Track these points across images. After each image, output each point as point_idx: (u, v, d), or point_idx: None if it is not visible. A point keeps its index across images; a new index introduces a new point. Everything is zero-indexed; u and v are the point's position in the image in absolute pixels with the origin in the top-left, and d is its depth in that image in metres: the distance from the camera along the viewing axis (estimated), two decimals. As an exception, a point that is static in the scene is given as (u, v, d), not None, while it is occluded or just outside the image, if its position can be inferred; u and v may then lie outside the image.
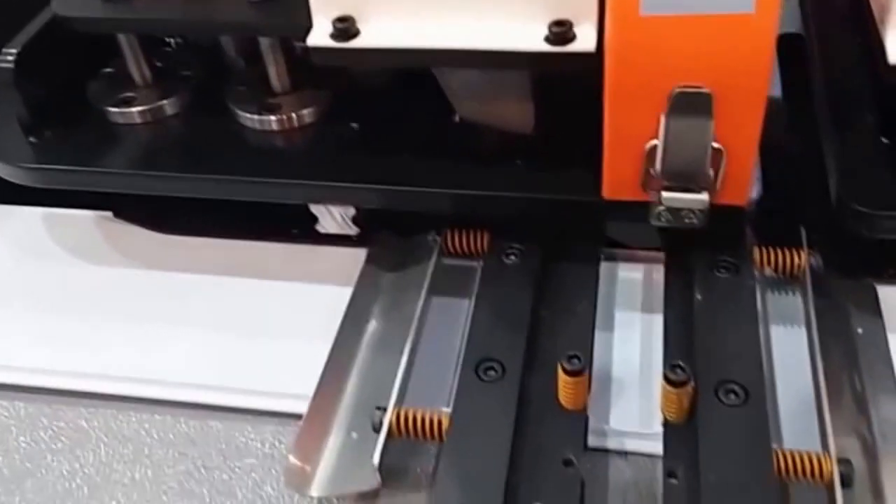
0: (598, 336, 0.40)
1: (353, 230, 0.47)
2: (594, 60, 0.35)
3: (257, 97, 0.46)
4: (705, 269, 0.40)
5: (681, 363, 0.35)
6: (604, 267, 0.44)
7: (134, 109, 0.47)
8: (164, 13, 0.43)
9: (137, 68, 0.48)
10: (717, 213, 0.37)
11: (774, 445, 0.34)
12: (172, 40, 0.51)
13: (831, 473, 0.33)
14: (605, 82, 0.35)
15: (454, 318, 0.43)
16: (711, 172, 0.36)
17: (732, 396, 0.35)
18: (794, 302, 0.43)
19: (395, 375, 0.38)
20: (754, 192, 0.40)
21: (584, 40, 0.35)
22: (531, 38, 0.36)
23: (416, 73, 0.42)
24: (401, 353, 0.39)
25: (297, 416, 0.39)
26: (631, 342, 0.42)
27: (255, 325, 0.45)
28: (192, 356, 0.43)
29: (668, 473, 0.34)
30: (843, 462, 0.34)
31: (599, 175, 0.38)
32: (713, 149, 0.35)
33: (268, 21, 0.42)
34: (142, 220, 0.51)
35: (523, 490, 0.34)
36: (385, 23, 0.37)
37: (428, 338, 0.42)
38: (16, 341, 0.45)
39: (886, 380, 0.38)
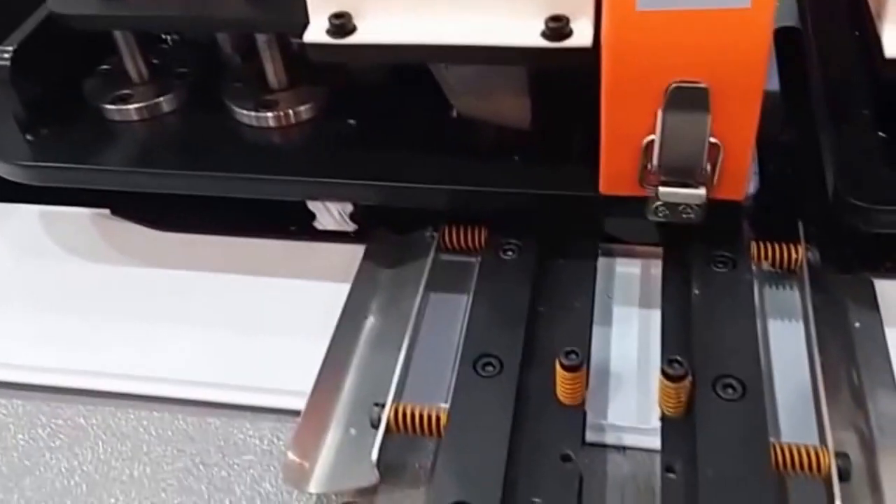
0: (596, 331, 0.40)
1: (350, 227, 0.47)
2: (591, 56, 0.35)
3: (254, 94, 0.46)
4: (703, 263, 0.40)
5: (678, 358, 0.35)
6: (601, 262, 0.44)
7: (131, 107, 0.47)
8: (160, 10, 0.43)
9: (134, 65, 0.47)
10: (714, 207, 0.37)
11: (772, 439, 0.34)
12: (169, 37, 0.51)
13: (829, 467, 0.33)
14: (601, 78, 0.35)
15: (452, 313, 0.43)
16: (708, 167, 0.36)
17: (730, 391, 0.35)
18: (791, 296, 0.43)
19: (394, 371, 0.38)
20: (751, 186, 0.40)
21: (581, 36, 0.35)
22: (528, 33, 0.36)
23: (413, 68, 0.42)
24: (399, 349, 0.39)
25: (296, 413, 0.39)
26: (628, 337, 0.42)
27: (253, 322, 0.45)
28: (190, 353, 0.43)
29: (666, 468, 0.34)
30: (841, 456, 0.34)
31: (596, 170, 0.38)
32: (710, 144, 0.35)
33: (264, 17, 0.42)
34: (139, 218, 0.51)
35: (521, 485, 0.34)
36: (382, 19, 0.37)
37: (426, 334, 0.42)
38: (14, 339, 0.45)
39: (884, 373, 0.38)
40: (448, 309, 0.43)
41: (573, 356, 0.35)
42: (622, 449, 0.37)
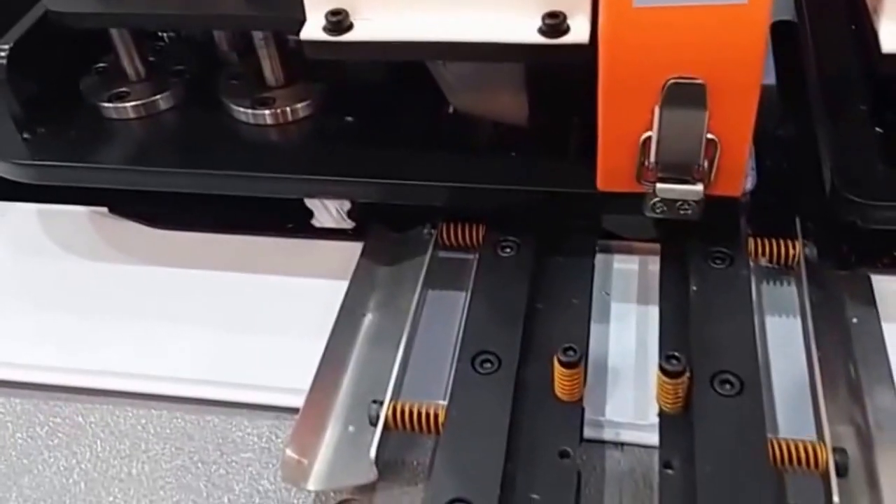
0: (594, 327, 0.40)
1: (348, 224, 0.47)
2: (588, 52, 0.35)
3: (251, 91, 0.46)
4: (700, 260, 0.40)
5: (676, 354, 0.35)
6: (599, 259, 0.44)
7: (127, 104, 0.47)
8: (156, 7, 0.43)
9: (130, 63, 0.47)
10: (711, 204, 0.37)
11: (770, 435, 0.34)
12: (165, 35, 0.51)
13: (826, 462, 0.33)
14: (598, 74, 0.35)
15: (450, 310, 0.43)
16: (706, 164, 0.36)
17: (728, 387, 0.35)
18: (788, 292, 0.43)
19: (392, 369, 0.38)
20: (749, 182, 0.40)
21: (578, 32, 0.35)
22: (525, 30, 0.36)
23: (411, 66, 0.42)
24: (397, 346, 0.39)
25: (294, 411, 0.39)
26: (626, 333, 0.42)
27: (251, 320, 0.45)
28: (188, 351, 0.43)
29: (664, 464, 0.34)
30: (839, 451, 0.34)
31: (594, 167, 0.38)
32: (707, 140, 0.35)
33: (261, 15, 0.41)
34: (137, 216, 0.51)
35: (520, 482, 0.34)
36: (378, 16, 0.37)
37: (424, 331, 0.42)
38: (12, 338, 0.45)
39: (881, 369, 0.38)
40: (446, 306, 0.43)
41: (571, 353, 0.35)
42: (620, 445, 0.37)
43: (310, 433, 0.38)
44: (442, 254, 0.45)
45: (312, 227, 0.48)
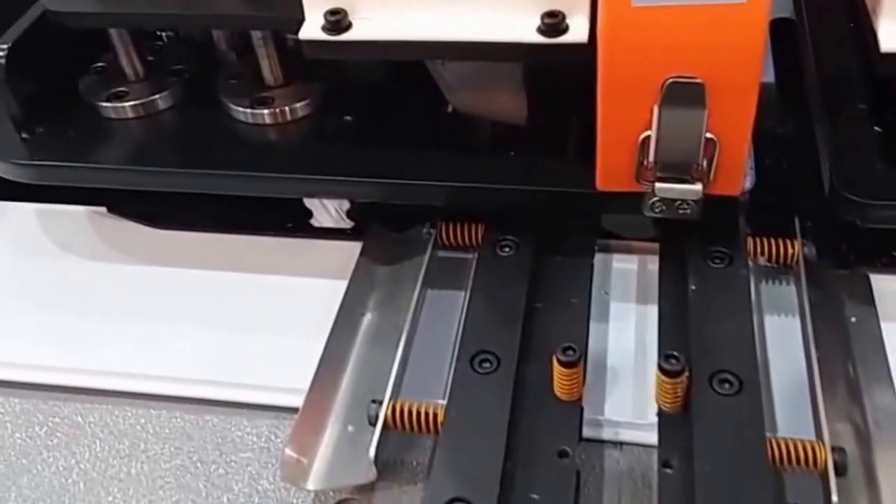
0: (593, 327, 0.40)
1: (347, 224, 0.47)
2: (587, 52, 0.35)
3: (250, 91, 0.46)
4: (699, 259, 0.40)
5: (675, 353, 0.35)
6: (598, 258, 0.44)
7: (126, 104, 0.47)
8: (155, 7, 0.42)
9: (129, 63, 0.47)
10: (710, 203, 0.37)
11: (768, 434, 0.34)
12: (164, 34, 0.51)
13: (825, 461, 0.34)
14: (597, 73, 0.35)
15: (449, 310, 0.43)
16: (705, 163, 0.36)
17: (727, 386, 0.35)
18: (787, 291, 0.43)
19: (391, 368, 0.38)
20: (748, 182, 0.40)
21: (577, 32, 0.35)
22: (524, 29, 0.36)
23: (410, 65, 0.42)
24: (396, 345, 0.39)
25: (293, 410, 0.39)
26: (625, 333, 0.42)
27: (251, 320, 0.45)
28: (187, 351, 0.43)
29: (663, 463, 0.34)
30: (837, 450, 0.34)
31: (593, 166, 0.38)
32: (706, 139, 0.35)
33: (260, 14, 0.41)
34: (136, 216, 0.51)
35: (519, 481, 0.34)
36: (377, 15, 0.37)
37: (423, 330, 0.42)
38: (11, 338, 0.45)
39: (880, 368, 0.38)
40: (445, 305, 0.43)
41: (570, 352, 0.35)
42: (619, 444, 0.37)
43: (309, 433, 0.38)
44: (441, 253, 0.45)
45: (311, 226, 0.48)
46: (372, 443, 0.36)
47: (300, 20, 0.38)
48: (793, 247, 0.43)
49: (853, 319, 0.41)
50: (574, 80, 0.37)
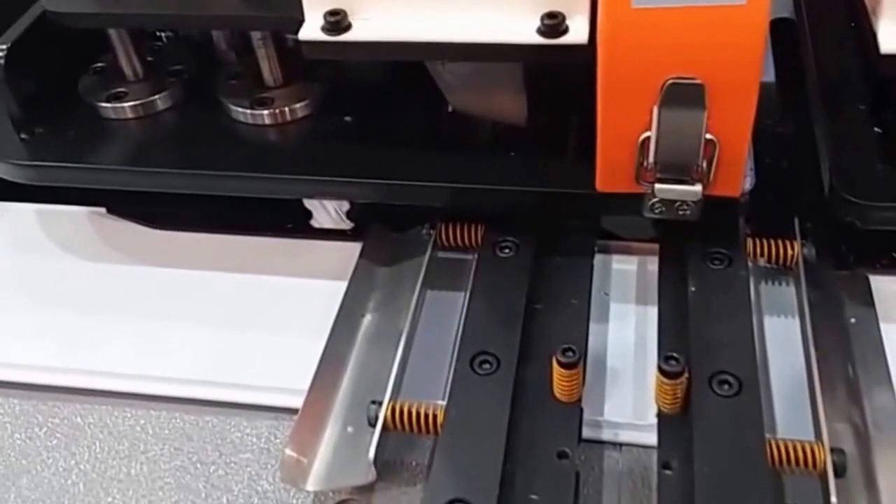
0: (593, 328, 0.40)
1: (347, 224, 0.47)
2: (587, 53, 0.35)
3: (249, 91, 0.46)
4: (699, 260, 0.40)
5: (675, 354, 0.35)
6: (598, 259, 0.44)
7: (126, 104, 0.47)
8: (154, 7, 0.42)
9: (128, 63, 0.47)
10: (710, 204, 0.37)
11: (768, 435, 0.34)
12: (163, 34, 0.51)
13: (825, 463, 0.34)
14: (597, 74, 0.35)
15: (449, 311, 0.43)
16: (704, 164, 0.36)
17: (726, 387, 0.35)
18: (787, 292, 0.43)
19: (391, 369, 0.38)
20: (748, 183, 0.40)
21: (577, 33, 0.35)
22: (524, 30, 0.36)
23: (410, 65, 0.42)
24: (396, 346, 0.39)
25: (293, 411, 0.39)
26: (625, 334, 0.42)
27: (250, 320, 0.45)
28: (187, 352, 0.43)
29: (663, 464, 0.34)
30: (837, 451, 0.34)
31: (593, 167, 0.38)
32: (706, 140, 0.35)
33: (259, 15, 0.41)
34: (135, 216, 0.51)
35: (518, 482, 0.34)
36: (377, 16, 0.37)
37: (423, 331, 0.42)
38: (10, 338, 0.45)
39: (879, 369, 0.38)
40: (445, 306, 0.43)
41: (570, 353, 0.35)
42: (619, 445, 0.37)
43: (309, 433, 0.38)
44: (441, 254, 0.45)
45: (311, 227, 0.48)
46: (371, 444, 0.36)
47: (300, 21, 0.37)
48: (792, 248, 0.43)
49: (853, 321, 0.41)
50: (574, 80, 0.37)
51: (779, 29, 0.49)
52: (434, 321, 0.43)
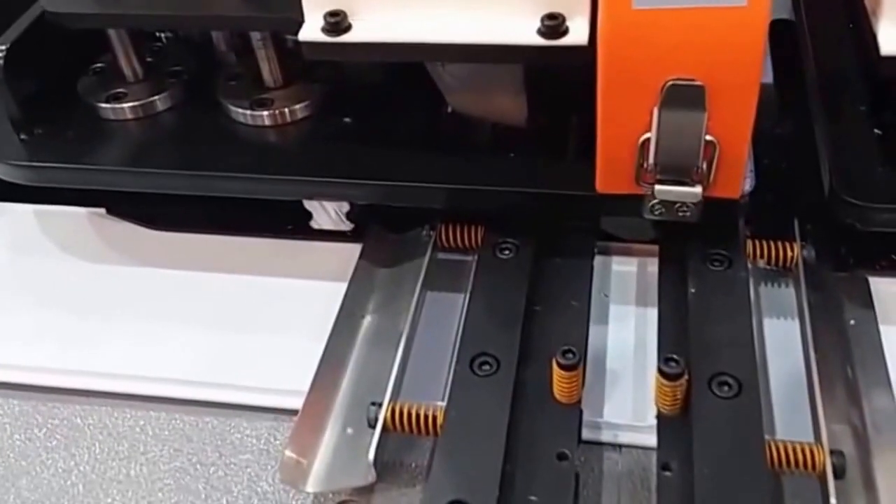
0: (593, 329, 0.40)
1: (347, 226, 0.47)
2: (587, 54, 0.35)
3: (249, 92, 0.46)
4: (699, 262, 0.40)
5: (675, 356, 0.35)
6: (598, 260, 0.44)
7: (125, 105, 0.46)
8: (154, 8, 0.42)
9: (128, 63, 0.47)
10: (710, 205, 0.37)
11: (767, 437, 0.34)
12: (163, 35, 0.51)
13: (824, 464, 0.34)
14: (597, 75, 0.35)
15: (449, 312, 0.43)
16: (704, 165, 0.36)
17: (726, 389, 0.35)
18: (787, 294, 0.43)
19: (390, 370, 0.38)
20: (748, 184, 0.40)
21: (577, 34, 0.35)
22: (524, 31, 0.36)
23: (409, 66, 0.42)
24: (396, 347, 0.39)
25: (293, 412, 0.39)
26: (625, 335, 0.42)
27: (250, 321, 0.45)
28: (186, 353, 0.43)
29: (663, 466, 0.34)
30: (836, 453, 0.34)
31: (593, 168, 0.38)
32: (706, 142, 0.35)
33: (259, 15, 0.41)
34: (135, 217, 0.51)
35: (518, 484, 0.34)
36: (377, 17, 0.37)
37: (423, 333, 0.42)
38: (10, 339, 0.45)
39: (878, 371, 0.38)
40: (445, 308, 0.43)
41: (570, 355, 0.35)
42: (618, 447, 0.37)
43: (309, 435, 0.38)
44: (441, 255, 0.45)
45: (311, 228, 0.48)
46: (371, 445, 0.36)
47: (300, 21, 0.37)
48: (792, 250, 0.43)
49: (852, 322, 0.41)
50: (574, 81, 0.37)
51: (777, 30, 0.49)
52: (434, 322, 0.43)
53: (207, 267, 0.48)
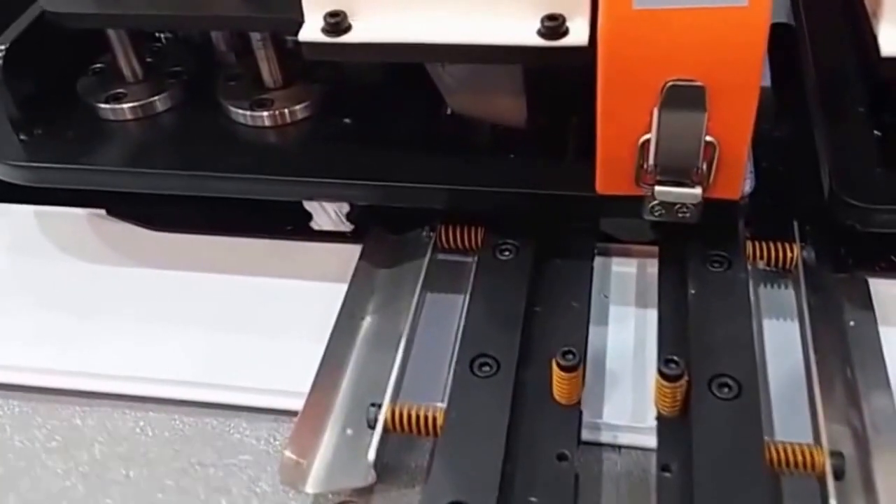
0: (593, 330, 0.40)
1: (347, 227, 0.47)
2: (587, 55, 0.35)
3: (249, 93, 0.46)
4: (698, 263, 0.40)
5: (675, 357, 0.35)
6: (598, 261, 0.44)
7: (125, 106, 0.46)
8: (153, 8, 0.42)
9: (127, 64, 0.47)
10: (710, 206, 0.37)
11: (767, 438, 0.34)
12: (162, 35, 0.51)
13: (823, 466, 0.34)
14: (598, 76, 0.35)
15: (449, 313, 0.43)
16: (704, 166, 0.36)
17: (726, 390, 0.35)
18: (786, 295, 0.43)
19: (390, 371, 0.38)
20: (748, 185, 0.40)
21: (577, 35, 0.35)
22: (524, 32, 0.36)
23: (409, 67, 0.42)
24: (396, 349, 0.39)
25: (293, 413, 0.39)
26: (625, 336, 0.42)
27: (250, 322, 0.45)
28: (186, 353, 0.43)
29: (662, 467, 0.34)
30: (835, 454, 0.34)
31: (593, 170, 0.38)
32: (706, 143, 0.35)
33: (259, 16, 0.41)
34: (135, 218, 0.51)
35: (518, 485, 0.34)
36: (377, 17, 0.37)
37: (423, 334, 0.42)
38: (9, 340, 0.45)
39: (878, 372, 0.38)
40: (445, 309, 0.43)
41: (570, 356, 0.35)
42: (618, 448, 0.37)
43: (308, 436, 0.38)
44: (441, 256, 0.45)
45: (311, 229, 0.48)
46: (371, 446, 0.36)
47: (300, 22, 0.37)
48: (792, 251, 0.43)
49: (852, 323, 0.41)
50: (574, 82, 0.37)
51: (775, 34, 0.49)
52: (434, 323, 0.42)
53: (207, 268, 0.48)
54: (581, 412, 0.36)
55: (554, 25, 0.35)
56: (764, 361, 0.40)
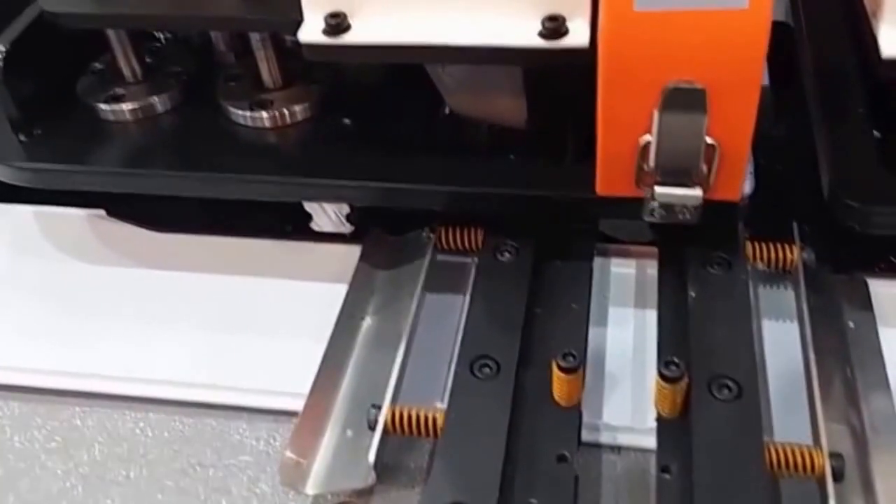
0: (592, 331, 0.40)
1: (347, 228, 0.47)
2: (587, 56, 0.35)
3: (249, 93, 0.46)
4: (698, 264, 0.40)
5: (675, 359, 0.35)
6: (597, 263, 0.44)
7: (124, 106, 0.46)
8: (153, 8, 0.42)
9: (127, 64, 0.47)
10: (710, 208, 0.37)
11: (767, 439, 0.34)
12: (162, 36, 0.51)
13: (823, 467, 0.34)
14: (598, 77, 0.35)
15: (449, 314, 0.43)
16: (705, 168, 0.36)
17: (725, 391, 0.35)
18: (786, 296, 0.43)
19: (391, 373, 0.38)
20: (748, 187, 0.40)
21: (578, 36, 0.35)
22: (524, 33, 0.36)
23: (409, 68, 0.42)
24: (396, 350, 0.39)
25: (292, 414, 0.39)
26: (624, 337, 0.42)
27: (250, 323, 0.45)
28: (186, 354, 0.43)
29: (662, 468, 0.35)
30: (835, 456, 0.34)
31: (593, 171, 0.38)
32: (706, 144, 0.35)
33: (259, 16, 0.41)
34: (135, 219, 0.51)
35: (518, 486, 0.34)
36: (377, 18, 0.37)
37: (423, 335, 0.42)
38: (9, 341, 0.45)
39: (878, 373, 0.38)
40: (445, 310, 0.43)
41: (570, 358, 0.35)
42: (617, 449, 0.38)
43: (308, 437, 0.38)
44: (441, 257, 0.45)
45: (311, 230, 0.48)
46: (371, 447, 0.36)
47: (299, 22, 0.37)
48: (791, 252, 0.43)
49: (851, 325, 0.41)
50: (574, 83, 0.37)
51: (774, 33, 0.49)
52: (434, 325, 0.42)
53: (207, 268, 0.48)
54: (581, 413, 0.36)
55: (554, 26, 0.35)
56: (763, 362, 0.40)
